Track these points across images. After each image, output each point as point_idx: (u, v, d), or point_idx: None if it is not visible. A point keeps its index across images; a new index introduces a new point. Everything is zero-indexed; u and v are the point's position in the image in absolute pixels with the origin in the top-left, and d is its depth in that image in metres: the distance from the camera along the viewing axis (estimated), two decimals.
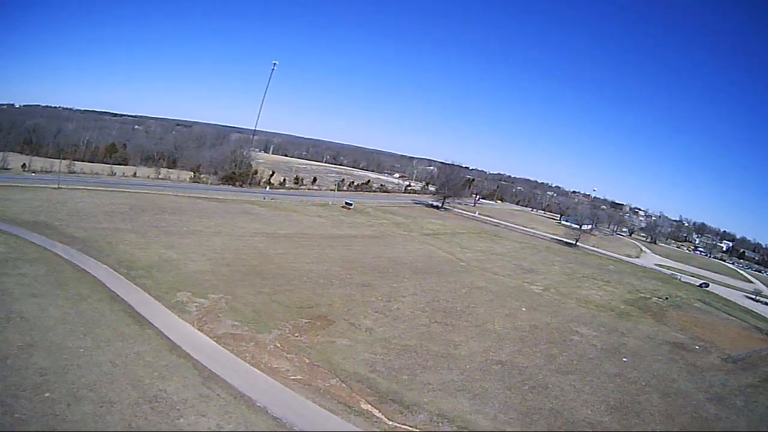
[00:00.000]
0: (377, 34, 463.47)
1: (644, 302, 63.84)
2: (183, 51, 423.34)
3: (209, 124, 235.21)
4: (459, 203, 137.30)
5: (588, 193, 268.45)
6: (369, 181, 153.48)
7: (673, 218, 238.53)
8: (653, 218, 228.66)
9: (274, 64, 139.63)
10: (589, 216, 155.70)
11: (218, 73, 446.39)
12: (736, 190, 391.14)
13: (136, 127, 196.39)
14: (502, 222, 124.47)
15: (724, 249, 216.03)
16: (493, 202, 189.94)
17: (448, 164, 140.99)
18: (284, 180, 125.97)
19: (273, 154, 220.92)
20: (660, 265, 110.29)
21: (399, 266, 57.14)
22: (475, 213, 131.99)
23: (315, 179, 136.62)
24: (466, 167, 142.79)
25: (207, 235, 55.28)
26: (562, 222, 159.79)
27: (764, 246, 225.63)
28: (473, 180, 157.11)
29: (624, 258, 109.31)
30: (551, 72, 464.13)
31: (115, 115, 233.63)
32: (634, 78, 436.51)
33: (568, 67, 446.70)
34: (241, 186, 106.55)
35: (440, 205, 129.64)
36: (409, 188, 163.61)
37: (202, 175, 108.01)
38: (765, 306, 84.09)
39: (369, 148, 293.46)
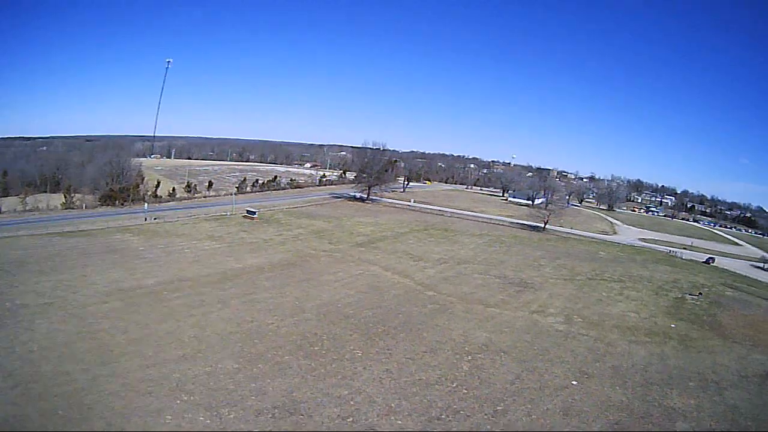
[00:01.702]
0: (267, 22, 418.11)
1: (684, 307, 45.79)
2: (81, 58, 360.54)
3: (118, 136, 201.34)
4: (386, 191, 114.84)
5: (508, 161, 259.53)
6: (276, 177, 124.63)
7: (607, 178, 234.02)
8: (605, 181, 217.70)
9: (168, 62, 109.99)
10: (538, 188, 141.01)
11: (116, 79, 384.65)
12: (656, 138, 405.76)
13: (42, 148, 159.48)
14: (444, 209, 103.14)
15: (680, 207, 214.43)
16: (423, 184, 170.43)
17: (365, 148, 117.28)
18: (173, 190, 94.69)
19: (175, 158, 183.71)
20: (644, 239, 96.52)
21: (337, 326, 32.56)
22: (409, 201, 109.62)
23: (211, 183, 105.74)
24: (383, 149, 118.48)
25: (27, 318, 28.72)
26: (510, 199, 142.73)
27: (710, 197, 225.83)
28: (395, 161, 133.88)
29: (603, 237, 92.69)
30: (449, 41, 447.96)
31: (28, 138, 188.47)
32: (532, 33, 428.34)
33: (465, 33, 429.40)
34: (122, 205, 77.77)
35: (365, 196, 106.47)
36: (325, 179, 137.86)
37: (76, 198, 77.48)
38: None
39: (276, 141, 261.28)
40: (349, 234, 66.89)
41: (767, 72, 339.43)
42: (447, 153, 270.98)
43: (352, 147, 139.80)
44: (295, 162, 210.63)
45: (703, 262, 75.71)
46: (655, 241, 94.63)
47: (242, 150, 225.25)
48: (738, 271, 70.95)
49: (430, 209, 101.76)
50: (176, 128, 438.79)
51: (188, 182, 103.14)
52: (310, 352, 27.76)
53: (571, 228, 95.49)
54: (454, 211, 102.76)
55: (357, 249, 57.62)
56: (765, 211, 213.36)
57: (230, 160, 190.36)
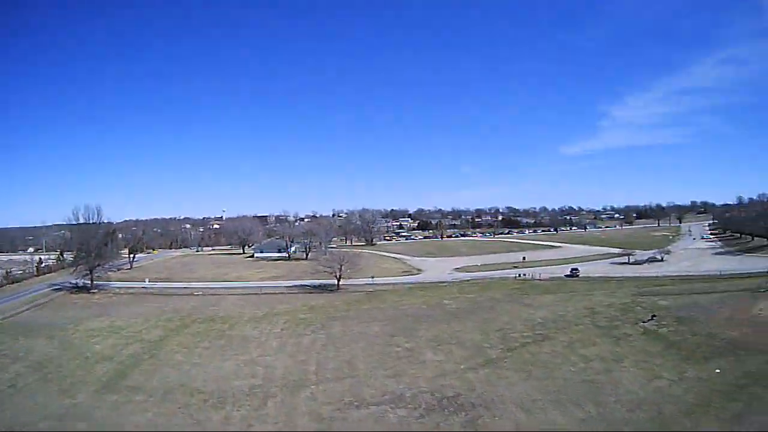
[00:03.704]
0: None
1: (686, 347, 38.36)
2: None
3: None
4: (112, 269, 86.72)
5: (220, 215, 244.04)
6: None
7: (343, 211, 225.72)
8: (356, 213, 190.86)
9: None
10: (299, 235, 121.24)
11: None
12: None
13: None
14: (190, 284, 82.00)
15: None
16: (149, 253, 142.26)
17: (78, 223, 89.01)
18: None
19: None
20: (463, 269, 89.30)
21: None
22: (144, 281, 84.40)
23: None
24: (99, 220, 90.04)
25: None
26: (257, 255, 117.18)
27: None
28: (114, 231, 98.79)
29: (415, 279, 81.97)
30: None
31: None
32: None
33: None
34: None
35: (90, 283, 77.91)
36: (42, 266, 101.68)
37: None
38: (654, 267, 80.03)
39: None
40: (84, 362, 41.69)
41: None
42: (159, 217, 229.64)
43: (69, 224, 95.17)
44: (20, 248, 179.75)
45: (568, 275, 75.62)
46: (479, 268, 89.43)
47: None
48: (617, 275, 73.51)
49: (175, 288, 78.53)
50: None
51: None
52: None
53: (372, 278, 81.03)
54: (205, 285, 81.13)
55: (103, 399, 33.24)
56: (518, 210, 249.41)
57: None
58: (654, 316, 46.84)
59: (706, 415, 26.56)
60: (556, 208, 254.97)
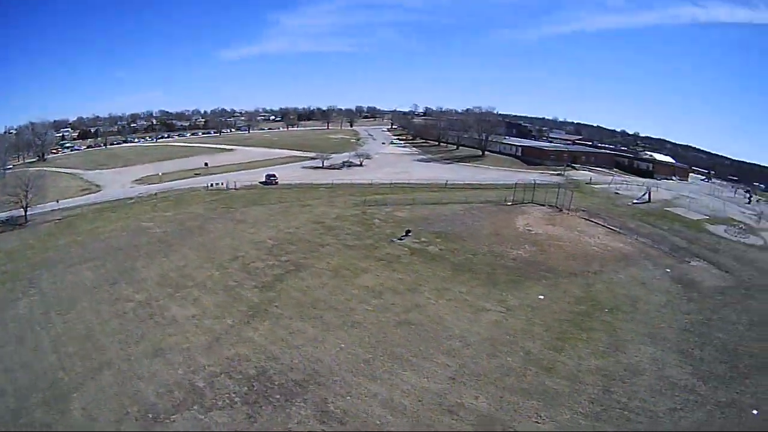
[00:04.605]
0: None
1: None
2: None
3: None
4: None
5: None
6: None
7: None
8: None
9: None
10: None
11: None
12: None
13: None
14: None
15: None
16: None
17: None
18: None
19: None
20: (145, 180, 77.29)
21: None
22: None
23: None
24: None
25: None
26: None
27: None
28: None
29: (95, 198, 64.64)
30: None
31: None
32: None
33: None
34: None
35: None
36: None
37: None
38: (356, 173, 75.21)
39: None
40: None
41: None
42: None
43: None
44: None
45: (264, 183, 68.58)
46: (160, 178, 76.51)
47: None
48: (321, 182, 67.63)
49: None
50: None
51: None
52: None
53: (57, 201, 64.17)
54: None
55: None
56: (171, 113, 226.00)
57: None
58: (409, 231, 42.09)
59: (575, 348, 23.94)
60: (208, 111, 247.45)
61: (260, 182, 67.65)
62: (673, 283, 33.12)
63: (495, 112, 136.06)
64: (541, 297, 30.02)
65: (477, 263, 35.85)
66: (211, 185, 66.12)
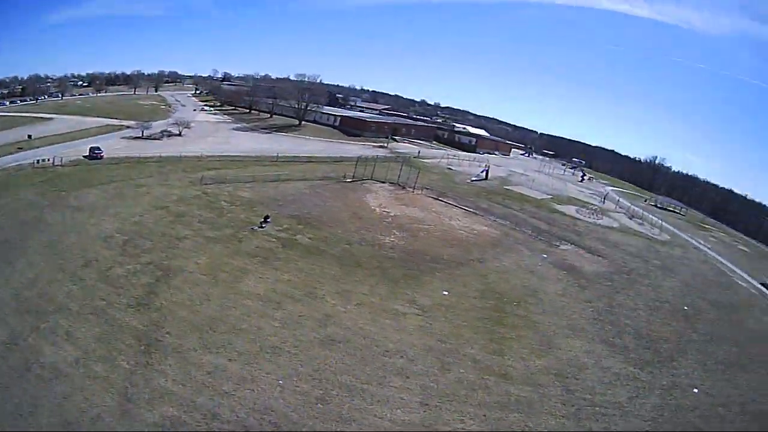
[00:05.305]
0: None
1: None
2: None
3: None
4: None
5: None
6: None
7: None
8: None
9: None
10: None
11: None
12: None
13: None
14: None
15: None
16: None
17: None
18: None
19: None
20: None
21: None
22: None
23: None
24: None
25: None
26: None
27: None
28: None
29: None
30: None
31: None
32: None
33: None
34: None
35: None
36: None
37: None
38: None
39: None
40: None
41: None
42: None
43: None
44: None
45: (89, 157, 55.73)
46: None
47: None
48: (146, 155, 54.35)
49: None
50: None
51: None
52: None
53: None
54: None
55: None
56: None
57: None
58: (267, 217, 36.50)
59: (512, 349, 22.89)
60: (26, 77, 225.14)
61: (84, 156, 56.27)
62: (558, 270, 35.03)
63: (319, 81, 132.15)
64: (446, 293, 28.32)
65: (359, 255, 32.26)
66: (38, 162, 51.76)
